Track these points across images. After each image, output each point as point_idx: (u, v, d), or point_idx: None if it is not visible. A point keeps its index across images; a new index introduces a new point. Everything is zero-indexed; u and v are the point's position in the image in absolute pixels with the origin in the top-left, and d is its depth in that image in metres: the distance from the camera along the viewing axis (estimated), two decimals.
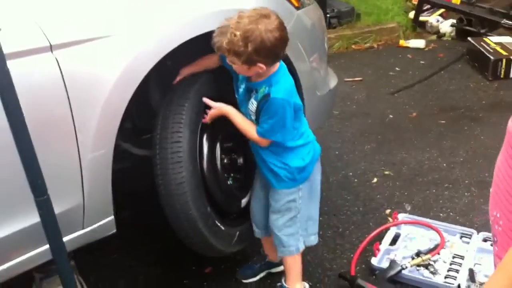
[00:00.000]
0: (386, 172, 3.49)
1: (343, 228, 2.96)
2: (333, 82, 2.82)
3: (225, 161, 2.38)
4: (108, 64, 1.85)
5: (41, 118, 1.73)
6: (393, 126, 4.15)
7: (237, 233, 2.39)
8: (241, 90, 2.17)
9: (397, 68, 5.30)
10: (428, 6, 6.31)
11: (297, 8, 2.47)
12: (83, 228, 1.95)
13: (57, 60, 1.74)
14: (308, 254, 2.71)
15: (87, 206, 1.92)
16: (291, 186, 2.23)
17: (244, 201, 2.48)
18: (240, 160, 2.49)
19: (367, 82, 4.99)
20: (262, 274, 2.61)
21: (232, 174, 2.44)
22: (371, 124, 4.16)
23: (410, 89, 4.78)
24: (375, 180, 3.41)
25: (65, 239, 1.88)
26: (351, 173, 3.49)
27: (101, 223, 1.99)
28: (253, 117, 2.14)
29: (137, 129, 2.42)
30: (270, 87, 2.05)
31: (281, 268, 2.55)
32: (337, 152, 3.74)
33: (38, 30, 1.71)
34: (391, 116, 4.30)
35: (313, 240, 2.40)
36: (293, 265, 2.38)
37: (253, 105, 2.12)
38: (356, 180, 3.42)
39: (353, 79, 5.03)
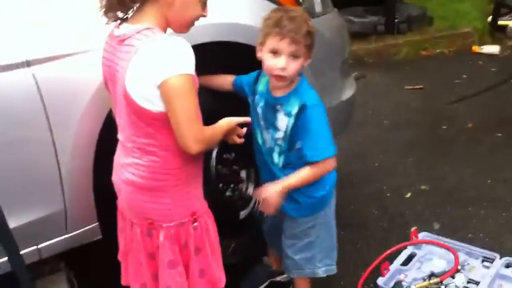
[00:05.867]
0: (423, 187, 3.33)
1: (362, 243, 2.87)
2: (348, 93, 2.74)
3: (223, 171, 2.39)
4: (86, 76, 1.92)
5: (19, 125, 1.85)
6: (444, 138, 3.95)
7: (232, 245, 2.39)
8: (260, 107, 2.08)
9: (464, 76, 5.04)
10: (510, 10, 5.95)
11: None
12: (66, 233, 2.05)
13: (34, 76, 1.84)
14: None
15: (69, 212, 2.01)
16: (311, 214, 2.14)
17: (243, 213, 2.48)
18: (243, 173, 2.50)
19: (428, 90, 4.78)
20: (266, 283, 2.56)
21: (232, 185, 2.45)
22: (420, 135, 3.99)
23: (473, 99, 4.52)
24: (408, 195, 3.27)
25: (49, 242, 2.03)
26: (385, 187, 3.36)
27: (84, 228, 2.07)
28: (281, 135, 2.02)
29: None
30: (301, 97, 1.97)
31: (284, 276, 2.50)
32: (376, 164, 3.62)
33: (16, 44, 1.82)
34: (444, 127, 4.10)
35: (334, 269, 2.27)
36: (304, 285, 2.33)
37: (282, 121, 2.00)
38: (389, 194, 3.30)
39: (414, 86, 4.85)
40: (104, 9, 1.72)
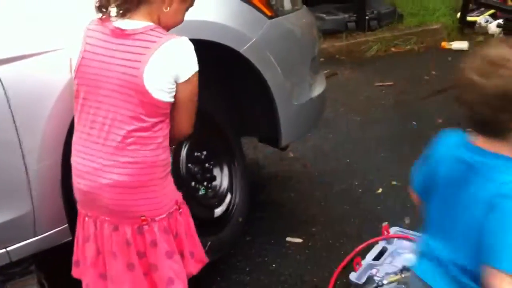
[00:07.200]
0: (394, 183, 3.36)
1: (334, 239, 2.88)
2: (318, 90, 2.75)
3: (195, 170, 2.39)
4: (53, 76, 1.90)
5: None
6: (415, 134, 3.99)
7: (209, 243, 2.38)
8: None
9: (433, 72, 5.09)
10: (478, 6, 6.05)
11: (270, 17, 2.42)
12: (35, 235, 2.02)
13: None
14: (290, 267, 2.68)
15: (38, 214, 1.98)
16: None
17: (217, 211, 2.48)
18: (216, 170, 2.50)
19: (398, 87, 4.83)
20: None
21: (205, 183, 2.44)
22: (391, 131, 4.03)
23: (442, 94, 4.58)
24: (380, 190, 3.30)
25: (18, 244, 2.00)
26: (357, 183, 3.39)
27: (54, 230, 2.05)
28: None
29: None
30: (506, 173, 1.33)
31: None
32: (348, 160, 3.64)
33: None
34: (414, 123, 4.14)
35: None
36: None
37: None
38: (360, 190, 3.33)
39: (384, 83, 4.89)
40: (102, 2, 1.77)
